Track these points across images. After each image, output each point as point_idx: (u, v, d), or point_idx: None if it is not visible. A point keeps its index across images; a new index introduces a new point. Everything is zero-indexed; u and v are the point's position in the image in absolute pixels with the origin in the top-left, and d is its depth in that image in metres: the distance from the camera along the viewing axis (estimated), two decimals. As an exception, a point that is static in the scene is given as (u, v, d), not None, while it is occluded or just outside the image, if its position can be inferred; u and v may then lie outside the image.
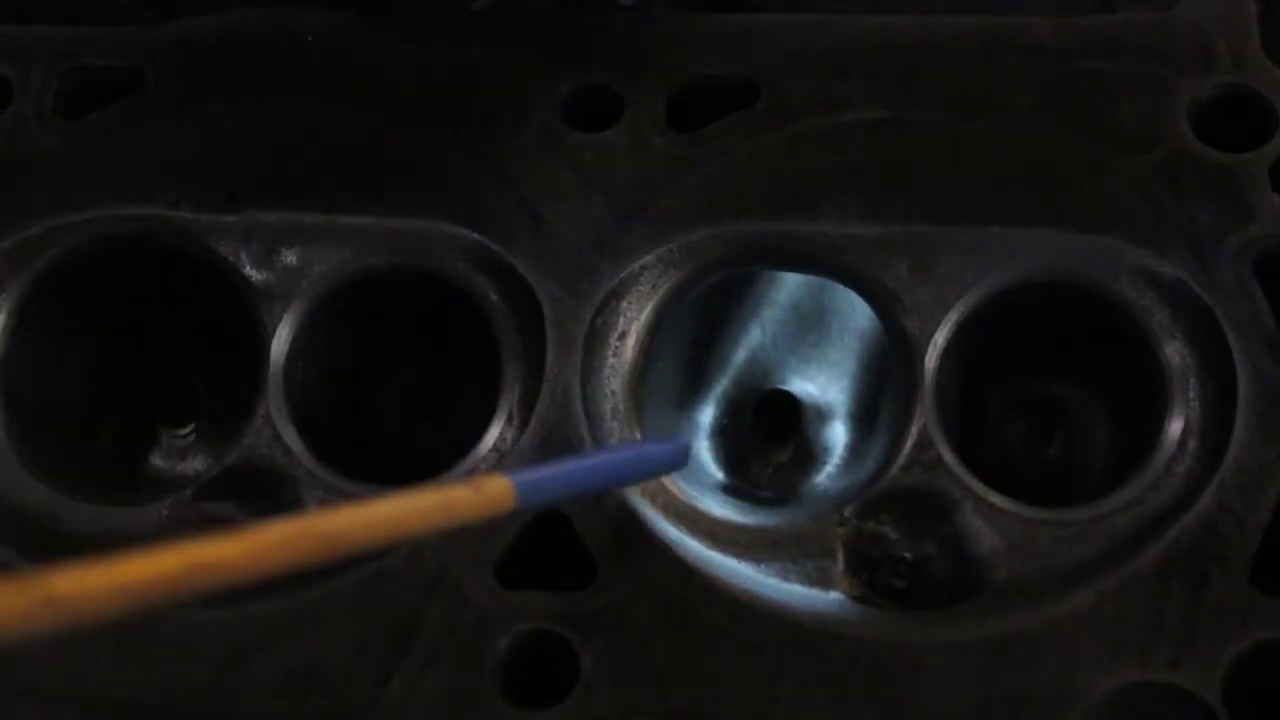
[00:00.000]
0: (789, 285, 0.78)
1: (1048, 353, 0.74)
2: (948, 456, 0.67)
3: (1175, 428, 0.67)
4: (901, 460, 0.68)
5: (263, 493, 0.71)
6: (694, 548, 0.67)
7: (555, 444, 0.68)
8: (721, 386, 0.79)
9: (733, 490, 0.76)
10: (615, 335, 0.71)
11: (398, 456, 0.79)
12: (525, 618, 0.65)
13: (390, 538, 0.51)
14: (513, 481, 0.55)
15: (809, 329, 0.79)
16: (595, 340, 0.70)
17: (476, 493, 0.54)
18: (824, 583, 0.67)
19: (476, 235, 0.72)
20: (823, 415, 0.78)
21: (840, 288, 0.73)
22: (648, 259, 0.71)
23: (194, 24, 0.79)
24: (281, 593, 0.67)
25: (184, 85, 0.77)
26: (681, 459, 0.67)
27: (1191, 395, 0.67)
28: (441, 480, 0.69)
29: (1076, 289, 0.69)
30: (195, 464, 0.81)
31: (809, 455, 0.77)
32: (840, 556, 0.68)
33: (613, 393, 0.70)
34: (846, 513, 0.68)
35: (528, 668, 0.65)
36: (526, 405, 0.70)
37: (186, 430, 0.81)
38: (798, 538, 0.68)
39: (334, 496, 0.70)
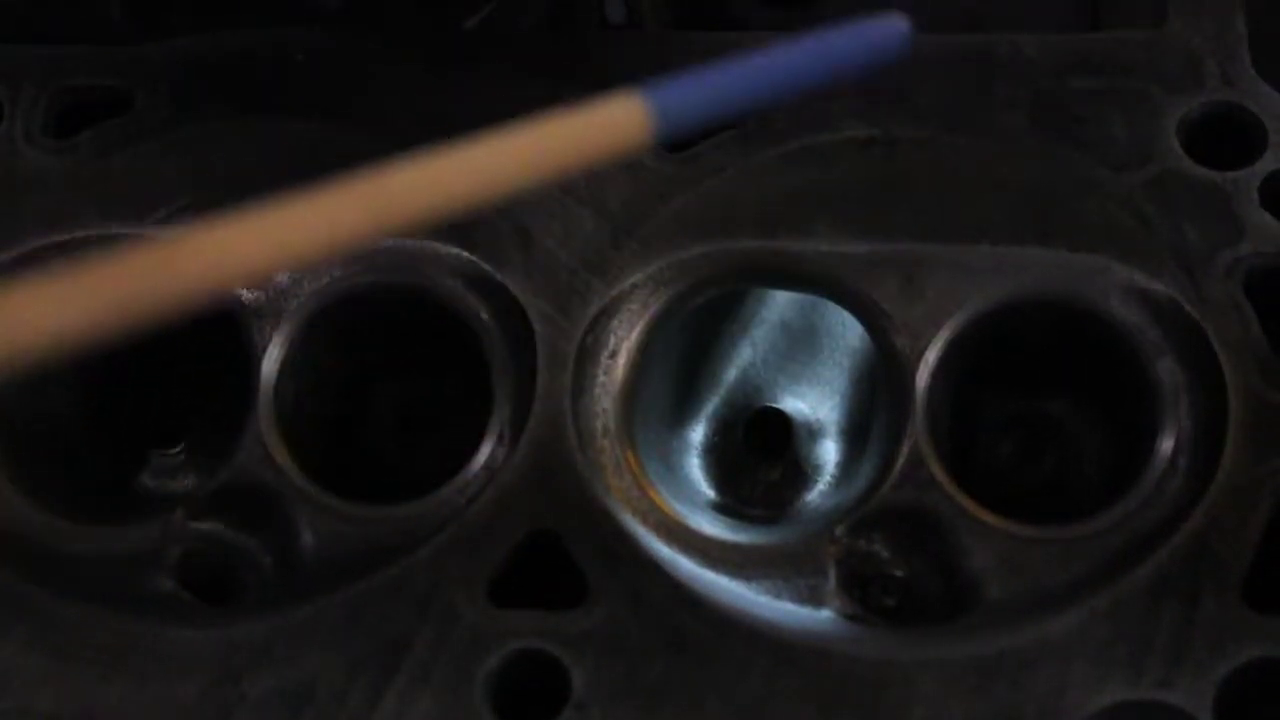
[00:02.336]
0: (780, 303, 0.78)
1: (1039, 371, 0.74)
2: (939, 474, 0.67)
3: (1166, 446, 0.67)
4: (893, 478, 0.68)
5: (254, 511, 0.70)
6: (685, 566, 0.67)
7: (546, 463, 0.68)
8: (712, 404, 0.79)
9: (724, 508, 0.76)
10: (606, 353, 0.71)
11: (388, 475, 0.79)
12: (516, 636, 0.65)
13: (491, 187, 0.42)
14: (646, 102, 0.43)
15: (800, 347, 0.79)
16: (586, 359, 0.70)
17: (597, 123, 0.43)
18: (815, 601, 0.67)
19: (466, 254, 0.72)
20: (814, 433, 0.78)
21: (831, 305, 0.73)
22: (638, 277, 0.71)
23: (184, 44, 0.79)
24: (272, 611, 0.67)
25: (174, 105, 0.77)
26: (899, 39, 0.50)
27: (1182, 413, 0.67)
28: (434, 497, 0.69)
29: (1067, 307, 0.69)
30: (186, 483, 0.80)
31: (800, 473, 0.77)
32: (832, 574, 0.67)
33: (604, 411, 0.70)
34: (838, 531, 0.68)
35: (519, 686, 0.65)
36: (517, 424, 0.70)
37: (176, 449, 0.81)
38: (789, 556, 0.68)
39: (325, 515, 0.70)
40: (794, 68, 0.49)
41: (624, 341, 0.71)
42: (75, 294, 0.37)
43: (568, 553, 0.66)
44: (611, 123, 0.43)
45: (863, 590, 0.68)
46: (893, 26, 0.50)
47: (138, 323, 0.38)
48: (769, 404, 0.79)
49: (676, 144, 0.73)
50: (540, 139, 0.42)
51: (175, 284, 0.38)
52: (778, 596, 0.67)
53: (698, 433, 0.78)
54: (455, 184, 0.41)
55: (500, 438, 0.70)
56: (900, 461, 0.68)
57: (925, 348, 0.69)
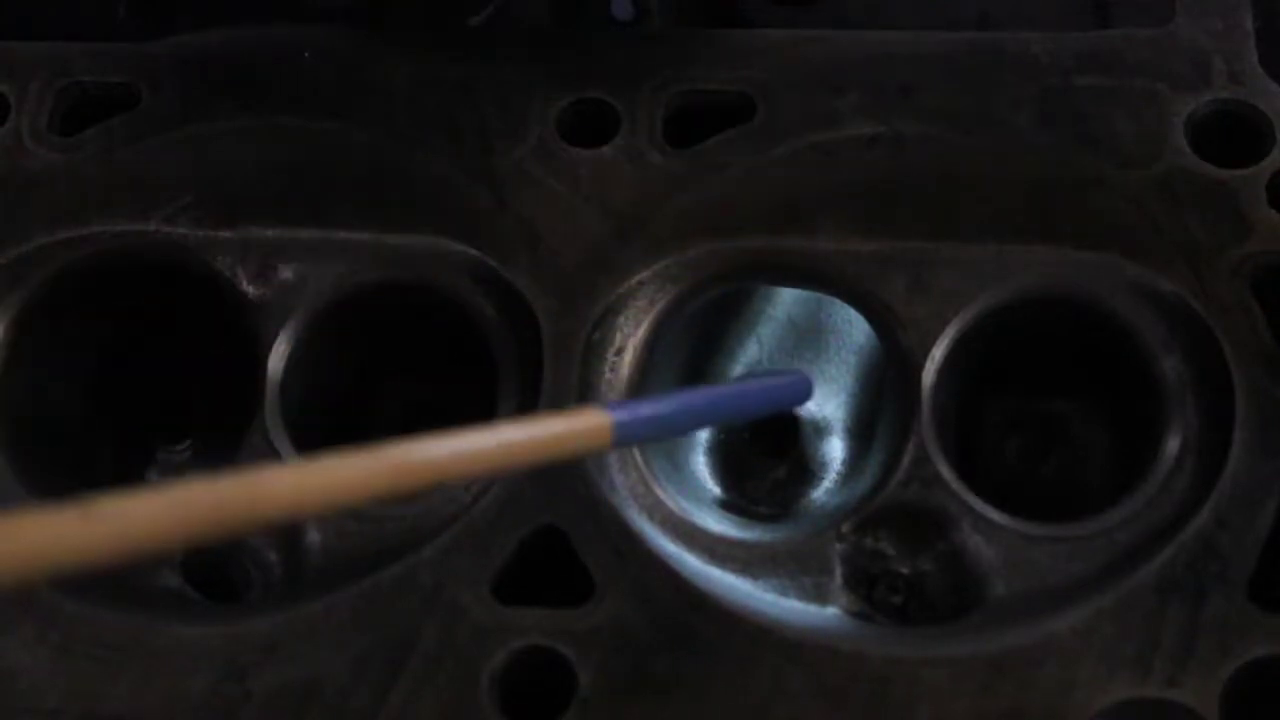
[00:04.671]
0: (786, 301, 0.78)
1: (1045, 368, 0.74)
2: (945, 472, 0.67)
3: (1173, 444, 0.67)
4: (899, 476, 0.68)
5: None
6: (692, 563, 0.67)
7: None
8: (718, 402, 0.78)
9: (730, 506, 0.76)
10: (612, 351, 0.71)
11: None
12: (522, 634, 0.65)
13: (472, 470, 0.49)
14: (611, 417, 0.53)
15: (806, 345, 0.79)
16: (592, 356, 0.70)
17: (571, 426, 0.52)
18: (821, 598, 0.67)
19: (473, 251, 0.72)
20: (820, 431, 0.78)
21: (837, 303, 0.73)
22: (644, 275, 0.71)
23: (190, 41, 0.79)
24: (278, 608, 0.67)
25: (180, 102, 0.77)
26: (804, 392, 0.65)
27: (1189, 411, 0.67)
28: (440, 494, 0.69)
29: (1074, 305, 0.69)
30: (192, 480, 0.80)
31: (806, 471, 0.77)
32: (838, 572, 0.67)
33: (610, 408, 0.70)
34: (844, 528, 0.68)
35: (525, 684, 0.65)
36: (524, 421, 0.70)
37: (183, 446, 0.81)
38: (795, 553, 0.68)
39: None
40: (725, 405, 0.65)
41: (630, 339, 0.71)
42: (157, 511, 0.41)
43: (574, 550, 0.66)
44: (582, 430, 0.53)
45: (869, 588, 0.68)
46: (801, 381, 0.67)
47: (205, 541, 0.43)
48: (775, 402, 0.79)
49: (682, 141, 0.73)
50: (528, 436, 0.51)
51: (248, 514, 0.43)
52: (784, 594, 0.67)
53: (703, 430, 0.78)
54: (456, 461, 0.48)
55: (506, 435, 0.70)
56: (906, 459, 0.68)
57: (932, 346, 0.69)
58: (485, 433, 0.49)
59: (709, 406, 0.62)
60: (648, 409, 0.57)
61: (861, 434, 0.77)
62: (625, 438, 0.54)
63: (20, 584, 0.38)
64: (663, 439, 0.63)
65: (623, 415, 0.53)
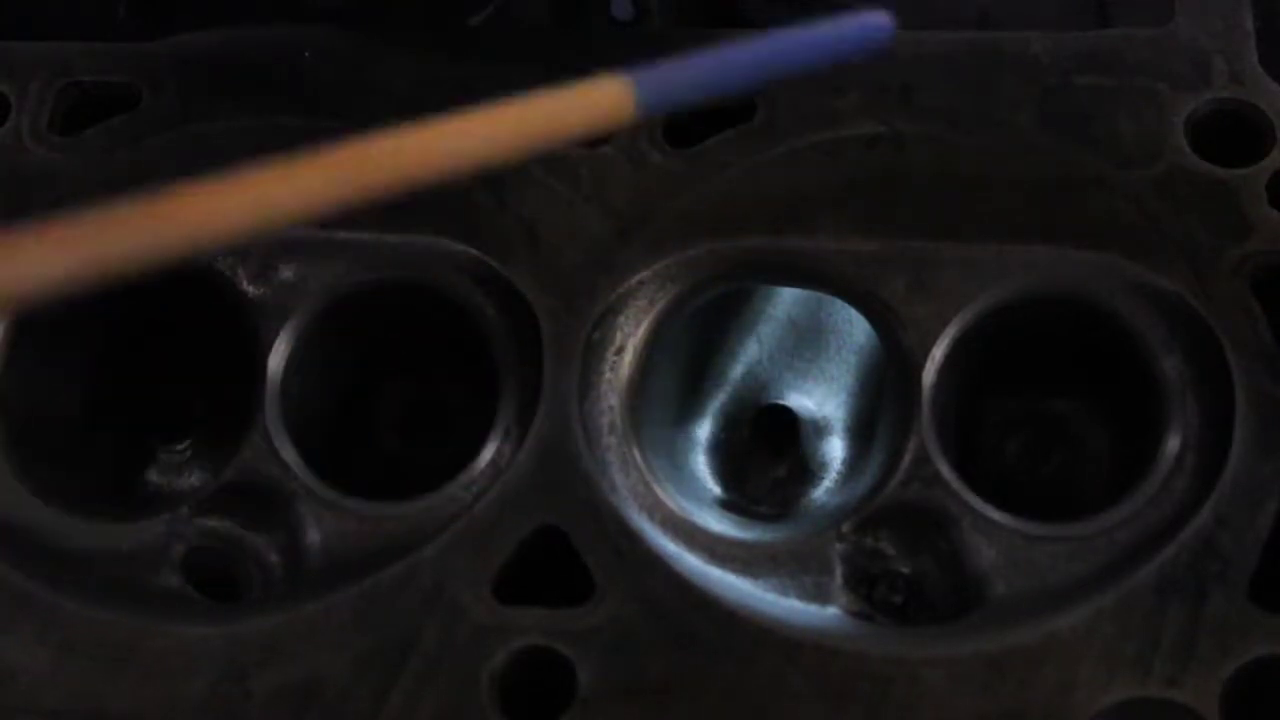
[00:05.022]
0: (786, 300, 0.78)
1: (1045, 368, 0.74)
2: (945, 472, 0.67)
3: (1173, 443, 0.67)
4: (899, 475, 0.68)
5: (260, 508, 0.70)
6: (692, 563, 0.67)
7: (552, 459, 0.68)
8: (719, 401, 0.79)
9: (730, 505, 0.76)
10: (612, 350, 0.71)
11: (395, 471, 0.79)
12: (523, 633, 0.65)
13: (479, 156, 0.45)
14: (632, 82, 0.47)
15: (806, 344, 0.79)
16: (592, 355, 0.70)
17: (585, 98, 0.47)
18: (822, 598, 0.67)
19: (473, 250, 0.72)
20: (820, 430, 0.78)
21: (838, 303, 0.73)
22: (645, 274, 0.71)
23: (191, 40, 0.79)
24: (278, 608, 0.67)
25: (180, 101, 0.77)
26: (878, 30, 0.53)
27: (1189, 410, 0.67)
28: (441, 494, 0.69)
29: (1074, 304, 0.69)
30: (192, 480, 0.80)
31: (806, 470, 0.77)
32: (838, 571, 0.67)
33: (610, 408, 0.70)
34: (844, 528, 0.68)
35: (525, 684, 0.65)
36: (524, 420, 0.70)
37: (183, 446, 0.81)
38: (796, 553, 0.68)
39: (331, 512, 0.70)
40: (775, 55, 0.52)
41: (630, 338, 0.71)
42: (56, 244, 0.38)
43: (574, 550, 0.66)
44: (598, 102, 0.47)
45: (869, 587, 0.68)
46: (876, 21, 0.53)
47: (116, 275, 0.41)
48: (775, 401, 0.79)
49: (682, 141, 0.73)
50: (531, 114, 0.46)
51: (156, 239, 0.41)
52: (784, 593, 0.67)
53: (704, 430, 0.78)
54: (439, 153, 0.44)
55: (506, 434, 0.70)
56: (907, 458, 0.68)
57: (932, 345, 0.69)
58: (481, 117, 0.45)
59: (756, 61, 0.52)
60: (677, 71, 0.49)
61: (862, 434, 0.77)
62: (652, 105, 0.47)
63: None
64: (699, 101, 0.51)
65: (647, 81, 0.47)
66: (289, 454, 0.71)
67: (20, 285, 0.39)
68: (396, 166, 0.43)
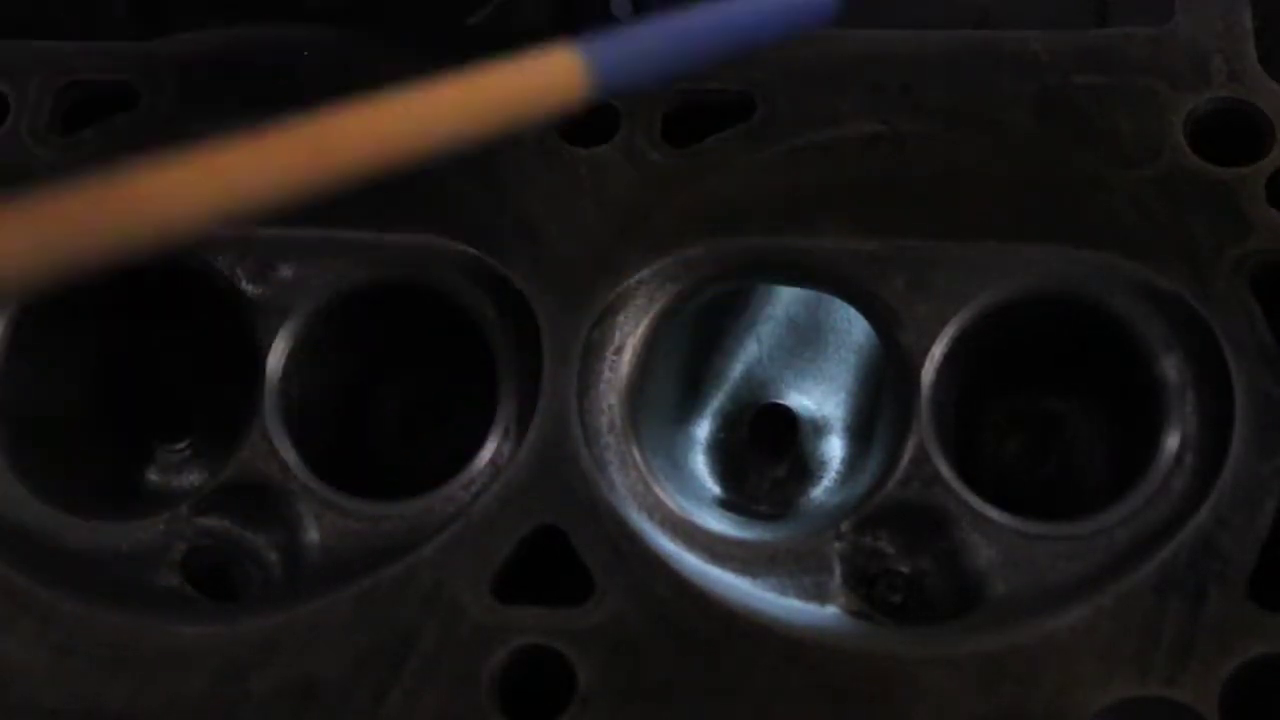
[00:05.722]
0: (785, 299, 0.78)
1: (1045, 367, 0.74)
2: (945, 471, 0.67)
3: (1172, 442, 0.67)
4: (898, 475, 0.68)
5: (259, 507, 0.70)
6: (691, 562, 0.67)
7: (551, 459, 0.68)
8: (718, 401, 0.79)
9: (729, 505, 0.76)
10: (611, 350, 0.71)
11: (394, 471, 0.79)
12: (522, 632, 0.65)
13: (428, 137, 0.42)
14: (582, 56, 0.43)
15: (805, 343, 0.79)
16: (591, 355, 0.70)
17: (532, 74, 0.43)
18: (821, 597, 0.67)
19: (472, 250, 0.72)
20: (819, 429, 0.78)
21: (837, 302, 0.73)
22: (644, 273, 0.71)
23: (190, 40, 0.79)
24: (278, 608, 0.67)
25: (179, 101, 0.77)
26: (826, 6, 0.53)
27: (1188, 410, 0.67)
28: (440, 493, 0.69)
29: (1073, 304, 0.69)
30: (191, 479, 0.80)
31: (806, 469, 0.77)
32: (837, 571, 0.67)
33: (609, 407, 0.70)
34: (843, 527, 0.68)
35: (525, 683, 0.65)
36: (523, 420, 0.70)
37: (182, 445, 0.81)
38: (795, 552, 0.68)
39: (330, 511, 0.70)
40: (729, 27, 0.51)
41: (629, 337, 0.71)
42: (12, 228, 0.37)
43: (573, 549, 0.66)
44: (548, 74, 0.43)
45: (868, 587, 0.68)
46: None
47: (79, 262, 0.39)
48: (774, 400, 0.79)
49: (682, 140, 0.73)
50: (476, 88, 0.43)
51: (116, 224, 0.38)
52: (783, 593, 0.67)
53: (703, 429, 0.78)
54: (394, 130, 0.42)
55: (506, 434, 0.70)
56: (906, 458, 0.68)
57: (931, 344, 0.69)
58: (423, 94, 0.42)
59: (713, 30, 0.50)
60: (633, 40, 0.46)
61: (861, 433, 0.77)
62: (609, 83, 0.44)
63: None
64: (663, 79, 0.50)
65: (600, 53, 0.43)
66: (288, 453, 0.71)
67: None
68: (353, 144, 0.41)
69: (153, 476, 0.81)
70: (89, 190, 0.38)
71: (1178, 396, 0.67)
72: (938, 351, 0.69)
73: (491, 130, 0.45)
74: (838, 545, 0.68)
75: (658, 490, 0.69)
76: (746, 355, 0.79)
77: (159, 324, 0.79)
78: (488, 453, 0.70)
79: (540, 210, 0.72)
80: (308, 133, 0.41)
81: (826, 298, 0.74)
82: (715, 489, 0.77)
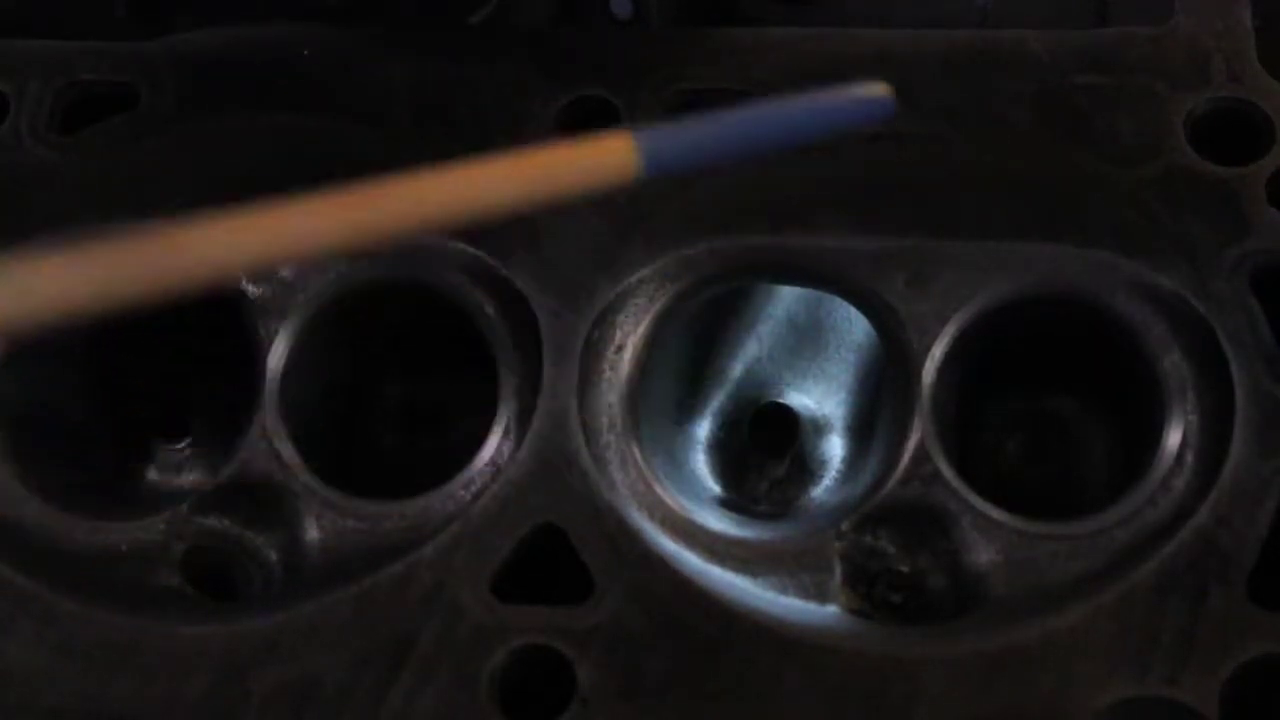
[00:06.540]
0: (786, 299, 0.78)
1: (1045, 366, 0.74)
2: (945, 470, 0.67)
3: (1173, 441, 0.67)
4: (899, 474, 0.68)
5: (259, 507, 0.70)
6: (691, 561, 0.67)
7: (551, 458, 0.68)
8: (718, 400, 0.79)
9: (730, 504, 0.76)
10: (612, 349, 0.71)
11: (394, 470, 0.79)
12: (522, 632, 0.65)
13: (472, 210, 0.43)
14: (636, 141, 0.46)
15: (806, 342, 0.79)
16: (592, 354, 0.70)
17: (587, 155, 0.46)
18: (821, 596, 0.67)
19: (473, 249, 0.72)
20: (820, 429, 0.78)
21: (837, 301, 0.73)
22: (644, 273, 0.71)
23: (189, 40, 0.79)
24: (278, 608, 0.67)
25: (179, 101, 0.77)
26: (882, 109, 0.53)
27: (1189, 409, 0.67)
28: (440, 492, 0.69)
29: (1074, 303, 0.69)
30: (191, 478, 0.80)
31: (806, 469, 0.77)
32: (837, 570, 0.67)
33: (609, 406, 0.70)
34: (844, 526, 0.68)
35: (524, 682, 0.65)
36: (523, 419, 0.70)
37: (182, 444, 0.81)
38: (795, 551, 0.68)
39: (330, 511, 0.70)
40: (781, 124, 0.53)
41: (630, 337, 0.71)
42: (79, 269, 0.38)
43: (573, 548, 0.66)
44: (602, 158, 0.46)
45: (868, 586, 0.68)
46: (877, 95, 0.54)
47: (135, 302, 0.42)
48: (775, 399, 0.79)
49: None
50: (533, 166, 0.45)
51: (175, 269, 0.41)
52: (783, 592, 0.67)
53: (703, 428, 0.78)
54: (450, 201, 0.43)
55: (506, 433, 0.70)
56: (906, 457, 0.68)
57: (932, 343, 0.69)
58: (481, 168, 0.44)
59: (762, 127, 0.52)
60: (687, 133, 0.49)
61: (861, 432, 0.77)
62: (657, 167, 0.46)
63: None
64: (713, 165, 0.52)
65: (654, 140, 0.46)
66: (288, 453, 0.71)
67: (18, 313, 0.39)
68: (407, 211, 0.42)
69: (153, 476, 0.81)
70: (147, 240, 0.40)
71: (1178, 395, 0.67)
72: (938, 350, 0.69)
73: (543, 204, 0.47)
74: (838, 544, 0.68)
75: (658, 489, 0.69)
76: (747, 354, 0.79)
77: (159, 323, 0.79)
78: (488, 452, 0.70)
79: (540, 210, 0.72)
80: (368, 201, 0.42)
81: (827, 297, 0.74)
82: (715, 488, 0.77)
